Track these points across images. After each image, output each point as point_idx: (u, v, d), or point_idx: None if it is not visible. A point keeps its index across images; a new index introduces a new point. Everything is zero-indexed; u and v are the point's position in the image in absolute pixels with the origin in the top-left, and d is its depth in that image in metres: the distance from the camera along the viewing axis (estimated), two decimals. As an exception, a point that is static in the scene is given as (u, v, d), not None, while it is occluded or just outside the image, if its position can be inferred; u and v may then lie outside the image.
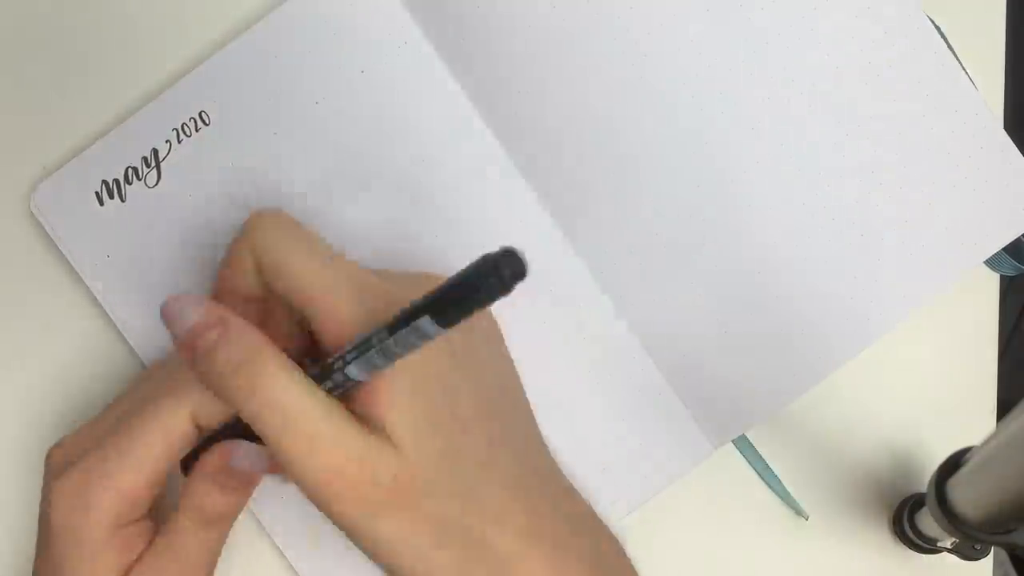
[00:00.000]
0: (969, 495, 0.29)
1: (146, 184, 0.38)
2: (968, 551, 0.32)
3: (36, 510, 0.33)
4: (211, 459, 0.33)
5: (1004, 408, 0.37)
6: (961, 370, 0.39)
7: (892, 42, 0.38)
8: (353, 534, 0.30)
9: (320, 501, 0.29)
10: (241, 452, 0.32)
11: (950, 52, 0.38)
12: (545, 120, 0.38)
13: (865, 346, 0.38)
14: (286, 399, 0.28)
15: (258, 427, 0.29)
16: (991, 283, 0.40)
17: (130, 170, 0.38)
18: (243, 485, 0.33)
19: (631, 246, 0.38)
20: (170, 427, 0.31)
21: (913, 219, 0.38)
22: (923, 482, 0.35)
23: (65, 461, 0.32)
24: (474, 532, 0.30)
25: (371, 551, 0.30)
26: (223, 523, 0.34)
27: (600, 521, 0.35)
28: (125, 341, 0.38)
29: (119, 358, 0.38)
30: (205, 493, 0.33)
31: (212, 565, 0.34)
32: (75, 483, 0.31)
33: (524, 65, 0.38)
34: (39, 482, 0.33)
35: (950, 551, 0.36)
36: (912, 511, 0.37)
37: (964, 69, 0.38)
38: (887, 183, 0.38)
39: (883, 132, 0.38)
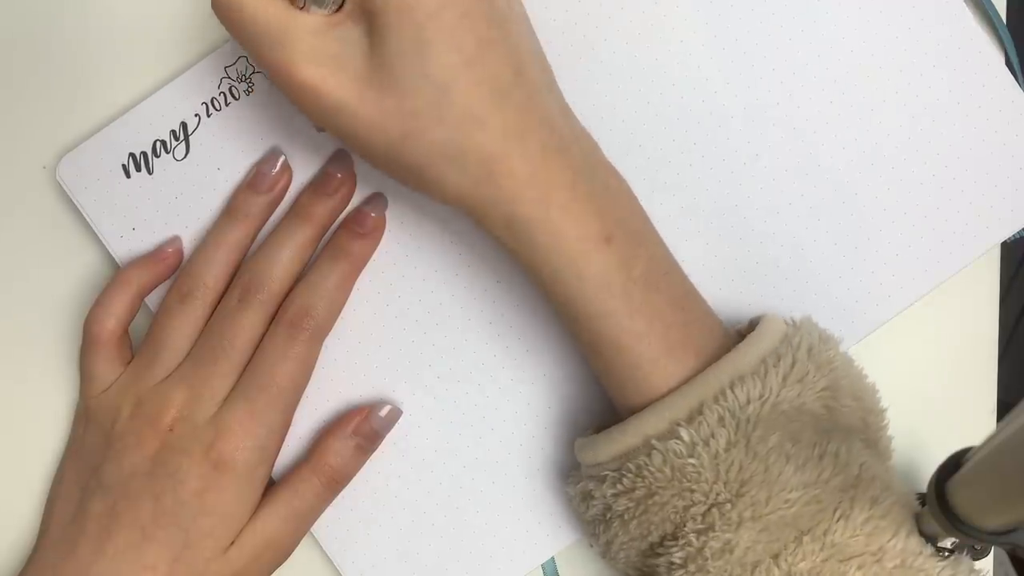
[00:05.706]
0: (969, 495, 0.29)
1: (174, 157, 0.38)
2: (968, 551, 0.33)
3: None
4: (354, 418, 0.36)
5: (1004, 408, 0.37)
6: (961, 370, 0.40)
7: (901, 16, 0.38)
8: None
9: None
10: (383, 411, 0.37)
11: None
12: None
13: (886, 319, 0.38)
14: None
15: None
16: (991, 284, 0.40)
17: (158, 143, 0.38)
18: (371, 444, 0.37)
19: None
20: None
21: (919, 205, 0.38)
22: (923, 482, 0.35)
23: None
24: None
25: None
26: (340, 485, 0.37)
27: (598, 151, 0.34)
28: (149, 311, 0.38)
29: (143, 328, 0.38)
30: (338, 451, 0.36)
31: (311, 524, 0.37)
32: None
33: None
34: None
35: (950, 551, 0.36)
36: (912, 511, 0.37)
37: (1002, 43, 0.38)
38: (891, 169, 0.38)
39: (890, 116, 0.38)
